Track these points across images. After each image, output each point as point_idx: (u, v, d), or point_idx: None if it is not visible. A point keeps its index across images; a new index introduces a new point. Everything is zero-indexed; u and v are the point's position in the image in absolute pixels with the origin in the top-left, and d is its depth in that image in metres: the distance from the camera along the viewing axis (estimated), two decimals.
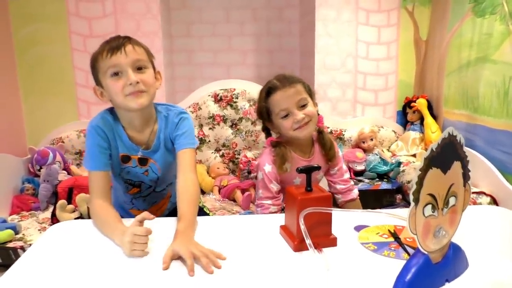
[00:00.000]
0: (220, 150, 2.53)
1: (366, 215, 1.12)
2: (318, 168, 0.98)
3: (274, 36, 2.94)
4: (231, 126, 2.51)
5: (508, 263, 0.87)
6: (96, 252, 0.94)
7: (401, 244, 0.95)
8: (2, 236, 1.71)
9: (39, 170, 2.26)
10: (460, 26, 2.20)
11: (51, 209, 2.03)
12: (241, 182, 2.31)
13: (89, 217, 1.80)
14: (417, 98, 2.54)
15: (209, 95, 2.49)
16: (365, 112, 2.67)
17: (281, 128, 1.30)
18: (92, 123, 1.17)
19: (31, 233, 1.83)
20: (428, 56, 2.58)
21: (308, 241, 0.81)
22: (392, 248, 0.93)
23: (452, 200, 0.80)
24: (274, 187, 1.32)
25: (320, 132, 1.38)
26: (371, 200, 2.16)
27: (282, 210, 1.38)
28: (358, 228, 1.05)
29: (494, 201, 1.78)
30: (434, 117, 2.47)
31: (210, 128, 2.50)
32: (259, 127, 2.45)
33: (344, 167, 1.46)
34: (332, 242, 0.95)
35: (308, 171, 0.96)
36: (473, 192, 1.82)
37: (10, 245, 1.70)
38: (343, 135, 2.55)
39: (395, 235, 1.00)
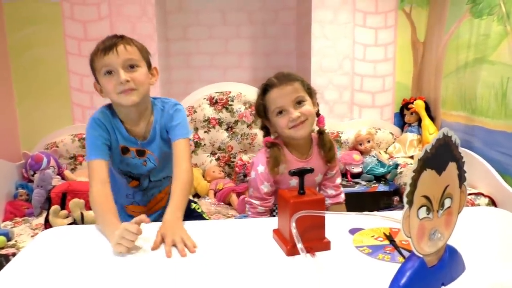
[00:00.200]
0: (215, 153, 2.51)
1: (361, 218, 1.10)
2: (311, 170, 0.95)
3: (270, 39, 2.93)
4: (226, 129, 2.49)
5: (506, 265, 0.84)
6: (87, 259, 0.92)
7: (396, 247, 0.93)
8: None
9: (33, 176, 2.24)
10: (457, 27, 2.18)
11: (44, 215, 2.00)
12: (237, 185, 2.29)
13: (82, 223, 1.81)
14: (415, 100, 2.52)
15: (204, 98, 2.47)
16: (362, 114, 2.65)
17: (276, 127, 1.28)
18: (93, 116, 1.23)
19: (24, 239, 1.80)
20: (426, 57, 2.56)
21: (299, 246, 0.79)
22: (387, 252, 0.91)
23: (447, 202, 0.78)
24: (265, 188, 1.30)
25: (320, 133, 1.34)
26: (369, 202, 2.14)
27: (274, 211, 1.38)
28: (353, 231, 1.02)
29: (493, 203, 1.76)
30: (432, 118, 2.45)
31: (205, 132, 2.48)
32: (255, 130, 2.46)
33: (339, 171, 1.44)
34: (326, 246, 0.93)
35: (301, 173, 0.94)
36: (472, 194, 1.80)
37: (2, 252, 1.67)
38: (340, 137, 2.54)
39: (390, 238, 0.97)
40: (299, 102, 1.24)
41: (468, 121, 2.07)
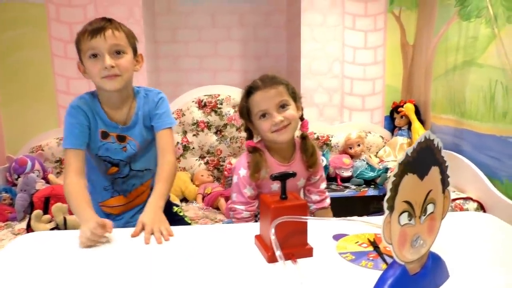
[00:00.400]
0: (204, 157, 2.48)
1: (347, 223, 1.07)
2: (293, 174, 0.93)
3: (261, 42, 2.91)
4: (215, 133, 2.47)
5: (493, 272, 0.82)
6: (61, 266, 0.88)
7: (380, 253, 0.91)
8: None
9: (17, 179, 2.20)
10: (446, 30, 2.18)
11: (28, 219, 1.96)
12: (225, 189, 2.26)
13: (65, 228, 1.77)
14: (405, 103, 2.51)
15: (193, 101, 2.44)
16: (353, 117, 2.63)
17: (259, 130, 1.26)
18: (71, 103, 1.22)
19: (5, 244, 1.76)
20: (415, 60, 2.55)
21: (278, 253, 0.76)
22: (371, 258, 0.88)
23: (430, 208, 0.76)
24: (248, 192, 1.28)
25: (303, 137, 1.32)
26: (358, 207, 2.12)
27: (257, 216, 1.35)
28: (337, 237, 1.00)
29: (481, 207, 1.75)
30: (422, 122, 2.45)
31: (194, 135, 2.45)
32: (244, 133, 2.41)
33: (323, 175, 1.41)
34: (308, 253, 0.90)
35: (283, 178, 0.92)
36: (460, 198, 1.79)
37: None
38: (330, 140, 2.52)
39: (374, 244, 0.95)
40: (282, 106, 1.22)
41: (458, 125, 2.06)
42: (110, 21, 1.19)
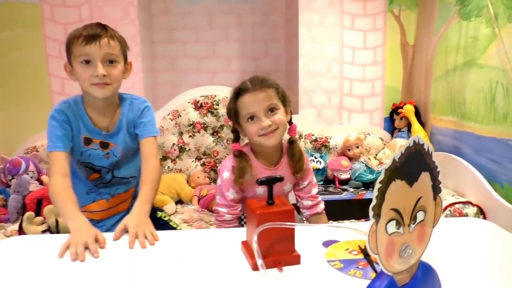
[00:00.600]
0: (201, 158, 2.45)
1: (338, 229, 1.04)
2: (281, 179, 0.90)
3: (259, 42, 2.88)
4: (212, 134, 2.43)
5: (491, 282, 0.79)
6: (46, 271, 0.86)
7: (370, 262, 0.87)
8: None
9: (11, 180, 2.17)
10: (446, 30, 2.14)
11: (20, 221, 1.94)
12: None
13: (57, 231, 1.74)
14: (405, 104, 2.47)
15: (189, 102, 2.41)
16: (352, 119, 2.59)
17: (246, 132, 1.23)
18: (55, 108, 1.22)
19: None
20: (416, 61, 2.51)
21: (259, 262, 0.73)
22: (360, 267, 0.85)
23: (420, 215, 0.72)
24: (231, 195, 1.26)
25: (291, 142, 1.30)
26: (356, 210, 2.08)
27: (243, 220, 1.33)
28: (327, 244, 0.96)
29: (481, 212, 1.71)
30: (422, 123, 2.41)
31: (190, 136, 2.42)
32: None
33: (314, 180, 1.37)
34: (295, 260, 0.87)
35: (269, 182, 0.89)
36: (460, 202, 1.74)
37: None
38: (329, 142, 2.48)
39: (365, 252, 0.91)
40: (271, 110, 1.19)
41: (458, 127, 2.02)
42: (105, 28, 1.19)
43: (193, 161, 2.44)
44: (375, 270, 0.83)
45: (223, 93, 2.44)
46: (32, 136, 2.37)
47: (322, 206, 1.38)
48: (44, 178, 2.22)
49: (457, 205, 1.72)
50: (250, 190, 1.27)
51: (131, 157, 1.34)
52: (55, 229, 1.75)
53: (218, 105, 2.42)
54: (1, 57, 2.34)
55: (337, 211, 1.96)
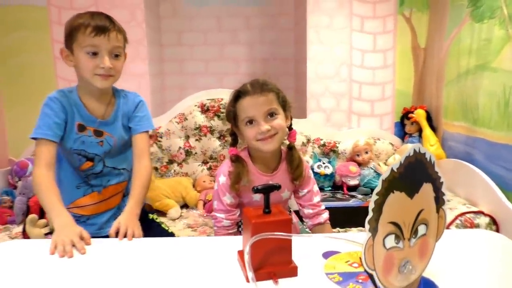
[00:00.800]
0: (207, 162, 2.42)
1: (339, 240, 0.99)
2: (278, 187, 0.86)
3: (268, 45, 2.86)
4: (218, 138, 2.41)
5: None
6: (37, 277, 0.84)
7: (370, 275, 0.83)
8: None
9: (18, 182, 2.18)
10: (458, 32, 2.08)
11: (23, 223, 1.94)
12: None
13: None
14: (416, 109, 2.41)
15: (195, 105, 2.39)
16: (361, 123, 2.54)
17: (245, 136, 1.21)
18: (49, 95, 1.23)
19: None
20: (427, 64, 2.45)
21: (250, 275, 0.69)
22: (360, 281, 0.80)
23: (421, 229, 0.68)
24: (228, 200, 1.23)
25: (290, 148, 1.27)
26: (364, 217, 2.02)
27: (240, 227, 1.30)
28: (327, 255, 0.92)
29: (494, 222, 1.64)
30: (434, 129, 2.34)
31: (196, 140, 2.39)
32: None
33: (316, 189, 1.33)
34: (292, 272, 0.83)
35: (266, 190, 0.85)
36: (471, 212, 1.68)
37: None
38: (337, 147, 2.43)
39: None
40: (271, 115, 1.17)
41: (470, 132, 1.95)
42: (112, 20, 1.21)
43: (199, 165, 2.42)
44: (375, 285, 0.79)
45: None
46: None
47: (325, 215, 1.34)
48: None
49: (468, 215, 1.66)
50: (246, 196, 1.24)
51: (124, 149, 1.34)
52: None
53: (224, 108, 2.39)
54: (9, 59, 2.35)
55: (345, 219, 1.91)
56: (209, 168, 2.41)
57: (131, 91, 1.36)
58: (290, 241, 0.84)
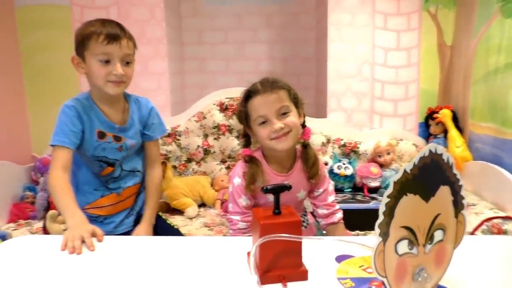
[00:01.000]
0: (225, 161, 2.41)
1: (349, 242, 0.95)
2: (288, 187, 0.83)
3: (289, 43, 2.82)
4: (237, 137, 2.39)
5: None
6: (47, 272, 0.84)
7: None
8: None
9: (39, 178, 2.23)
10: (487, 29, 1.99)
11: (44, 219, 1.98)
12: None
13: None
14: (441, 109, 2.33)
15: (214, 104, 2.38)
16: (383, 123, 2.47)
17: (258, 137, 1.18)
18: (66, 103, 1.24)
19: None
20: (454, 62, 2.36)
21: (256, 279, 0.67)
22: (373, 287, 0.76)
23: (438, 235, 0.64)
24: (243, 202, 1.21)
25: (305, 146, 1.24)
26: None
27: None
28: (340, 259, 0.89)
29: None
30: (460, 130, 2.25)
31: (215, 138, 2.38)
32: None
33: (331, 188, 1.29)
34: (302, 275, 0.80)
35: (275, 191, 0.82)
36: (499, 217, 1.60)
37: None
38: (358, 148, 2.37)
39: None
40: (283, 113, 1.14)
41: (498, 134, 1.86)
42: (122, 28, 1.23)
43: (217, 164, 2.41)
44: None
45: None
46: None
47: (339, 215, 1.30)
48: None
49: (495, 220, 1.58)
50: (262, 197, 1.22)
51: (138, 152, 1.39)
52: None
53: None
54: (33, 58, 2.41)
55: (364, 221, 1.84)
56: (227, 167, 2.40)
57: (141, 96, 1.39)
58: (300, 243, 0.81)
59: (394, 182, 0.56)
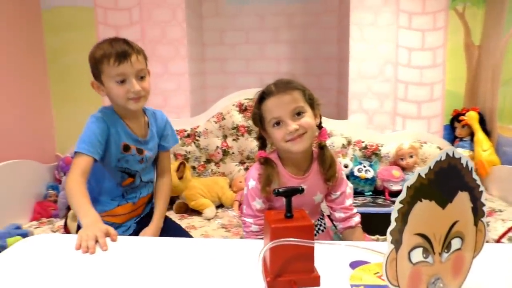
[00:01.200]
0: (244, 162, 2.40)
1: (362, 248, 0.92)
2: (300, 191, 0.81)
3: (310, 43, 2.79)
4: (256, 138, 2.37)
5: None
6: (59, 271, 0.85)
7: None
8: (10, 242, 1.70)
9: (62, 177, 2.27)
10: None
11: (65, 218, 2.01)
12: None
13: None
14: (467, 111, 2.24)
15: (233, 105, 2.37)
16: (406, 125, 2.40)
17: (273, 139, 1.16)
18: (95, 115, 1.28)
19: None
20: (482, 63, 2.27)
21: (264, 284, 0.65)
22: None
23: (455, 243, 0.61)
24: (257, 205, 1.19)
25: (321, 147, 1.21)
26: None
27: None
28: (354, 265, 0.86)
29: None
30: (487, 133, 2.16)
31: (234, 140, 2.38)
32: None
33: (348, 191, 1.26)
34: (314, 281, 0.78)
35: (287, 194, 0.80)
36: None
37: None
38: (380, 150, 2.31)
39: None
40: (298, 114, 1.12)
41: None
42: (128, 43, 1.24)
43: (236, 165, 2.40)
44: None
45: None
46: None
47: (356, 219, 1.26)
48: None
49: None
50: (277, 200, 1.19)
51: (153, 163, 1.46)
52: None
53: None
54: (58, 59, 2.47)
55: (385, 226, 1.80)
56: (246, 169, 2.38)
57: (156, 109, 1.45)
58: (312, 248, 0.78)
59: (408, 187, 0.53)
